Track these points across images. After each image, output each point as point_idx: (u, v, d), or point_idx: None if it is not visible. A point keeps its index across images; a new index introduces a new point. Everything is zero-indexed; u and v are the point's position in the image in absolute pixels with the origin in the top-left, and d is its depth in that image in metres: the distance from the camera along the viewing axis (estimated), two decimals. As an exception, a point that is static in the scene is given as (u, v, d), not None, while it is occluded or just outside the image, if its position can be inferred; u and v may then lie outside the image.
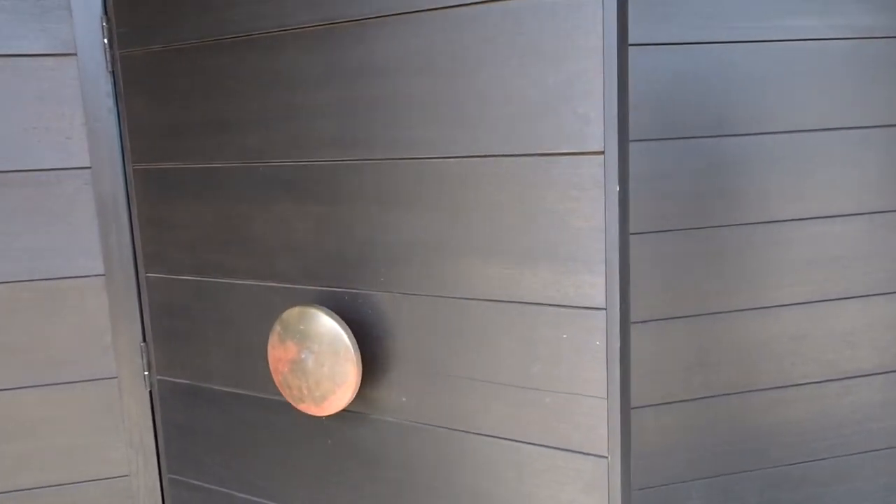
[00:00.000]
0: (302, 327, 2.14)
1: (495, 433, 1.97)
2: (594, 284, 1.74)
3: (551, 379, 1.83)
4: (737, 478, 3.32)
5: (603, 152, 1.67)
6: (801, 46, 3.07)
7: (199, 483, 2.84)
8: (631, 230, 3.02)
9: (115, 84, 2.81)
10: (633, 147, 3.02)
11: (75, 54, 2.77)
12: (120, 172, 2.84)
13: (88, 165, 2.81)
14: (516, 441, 1.95)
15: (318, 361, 2.13)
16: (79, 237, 2.82)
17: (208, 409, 2.73)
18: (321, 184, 2.21)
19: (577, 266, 1.75)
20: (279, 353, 2.16)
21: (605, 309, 1.72)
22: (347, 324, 2.18)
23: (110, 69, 2.80)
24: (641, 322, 3.10)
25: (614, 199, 1.65)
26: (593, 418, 1.81)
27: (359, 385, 2.09)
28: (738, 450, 3.28)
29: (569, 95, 1.70)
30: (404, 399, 2.11)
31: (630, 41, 2.93)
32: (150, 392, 2.96)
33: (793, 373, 3.25)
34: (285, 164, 2.30)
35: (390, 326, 2.11)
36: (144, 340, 2.93)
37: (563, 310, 1.79)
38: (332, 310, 2.17)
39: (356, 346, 2.05)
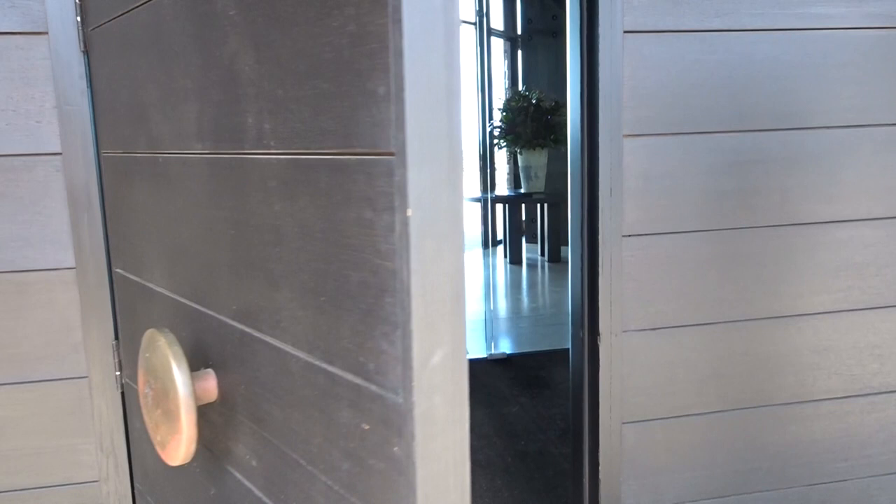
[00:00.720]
0: (148, 355, 1.52)
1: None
2: (388, 358, 0.96)
3: (358, 486, 1.08)
4: (751, 498, 2.80)
5: (393, 154, 0.89)
6: (831, 35, 2.55)
7: (150, 498, 2.29)
8: (644, 231, 2.55)
9: (88, 65, 2.29)
10: (641, 142, 2.49)
11: (47, 33, 2.27)
12: (93, 159, 2.33)
13: (59, 151, 2.31)
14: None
15: (156, 400, 1.49)
16: (48, 228, 2.34)
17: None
18: (194, 180, 1.55)
19: (376, 327, 0.98)
20: (138, 382, 1.48)
21: (401, 401, 0.94)
22: (208, 358, 1.48)
23: (83, 49, 2.28)
24: (651, 329, 2.61)
25: (405, 227, 0.88)
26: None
27: (194, 439, 1.41)
28: (753, 468, 2.78)
29: (360, 67, 0.94)
30: (254, 464, 1.43)
31: (640, 28, 2.46)
32: (122, 393, 2.46)
33: (814, 387, 2.74)
34: (171, 155, 1.66)
35: (240, 369, 1.42)
36: (117, 338, 2.42)
37: (361, 389, 1.04)
38: (199, 339, 1.48)
39: (190, 390, 1.42)
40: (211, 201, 1.41)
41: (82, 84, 2.29)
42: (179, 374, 1.36)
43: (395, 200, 0.86)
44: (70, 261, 2.35)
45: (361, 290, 0.94)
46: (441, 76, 0.85)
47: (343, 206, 0.96)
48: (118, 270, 2.22)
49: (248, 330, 1.30)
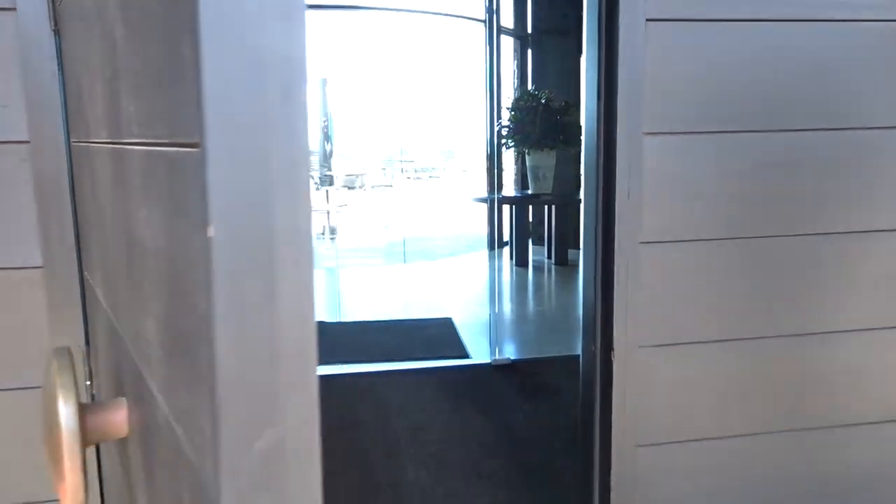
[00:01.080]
0: (46, 379, 1.18)
1: None
2: (206, 432, 0.65)
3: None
4: (775, 531, 2.60)
5: (197, 145, 0.56)
6: (872, 28, 2.33)
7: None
8: (664, 238, 2.35)
9: (59, 45, 2.07)
10: (663, 140, 2.30)
11: (14, 9, 2.05)
12: (63, 148, 2.11)
13: (27, 139, 2.10)
14: None
15: (44, 434, 1.18)
16: (14, 222, 2.12)
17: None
18: (104, 175, 1.27)
19: (197, 385, 0.68)
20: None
21: (215, 496, 0.62)
22: (124, 386, 1.18)
23: (54, 27, 2.06)
24: (670, 345, 2.42)
25: (207, 252, 0.56)
26: None
27: (80, 487, 1.07)
28: (778, 498, 2.56)
29: (175, 23, 0.63)
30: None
31: (664, 16, 2.28)
32: (91, 405, 2.04)
33: (847, 411, 2.55)
34: (92, 145, 1.41)
35: (139, 404, 1.10)
36: (88, 344, 2.19)
37: (192, 466, 0.74)
38: (118, 361, 1.18)
39: (75, 430, 1.06)
40: (112, 201, 1.16)
41: (53, 66, 2.07)
42: (64, 409, 1.09)
43: (202, 212, 0.56)
44: (37, 259, 2.15)
45: (187, 333, 0.66)
46: (269, 38, 0.54)
47: (173, 214, 0.67)
48: (86, 272, 2.04)
49: (136, 360, 1.04)
